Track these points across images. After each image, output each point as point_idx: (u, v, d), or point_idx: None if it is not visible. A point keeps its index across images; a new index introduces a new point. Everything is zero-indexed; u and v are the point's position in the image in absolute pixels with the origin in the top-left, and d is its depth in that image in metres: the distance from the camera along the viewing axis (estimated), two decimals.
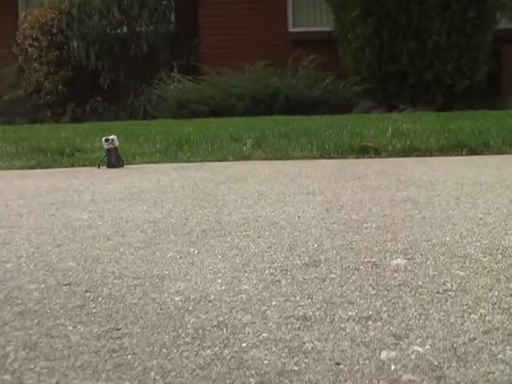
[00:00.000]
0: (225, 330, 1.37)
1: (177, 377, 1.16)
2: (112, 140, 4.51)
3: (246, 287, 1.65)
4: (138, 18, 11.48)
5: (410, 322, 1.38)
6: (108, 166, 4.53)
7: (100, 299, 1.58)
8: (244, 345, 1.29)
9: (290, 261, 1.89)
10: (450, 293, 1.56)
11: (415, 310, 1.45)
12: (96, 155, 4.94)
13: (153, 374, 1.17)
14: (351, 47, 9.40)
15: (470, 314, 1.42)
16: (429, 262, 1.83)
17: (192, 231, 2.32)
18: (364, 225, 2.35)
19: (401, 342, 1.28)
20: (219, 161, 4.71)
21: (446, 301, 1.50)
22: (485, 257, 1.87)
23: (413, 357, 1.21)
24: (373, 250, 1.98)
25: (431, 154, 4.63)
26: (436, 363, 1.18)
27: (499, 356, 1.21)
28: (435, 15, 8.94)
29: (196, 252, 2.02)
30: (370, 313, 1.44)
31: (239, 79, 9.68)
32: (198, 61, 10.95)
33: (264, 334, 1.33)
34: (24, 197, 3.26)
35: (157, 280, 1.73)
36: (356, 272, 1.75)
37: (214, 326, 1.39)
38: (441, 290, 1.58)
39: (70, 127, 8.06)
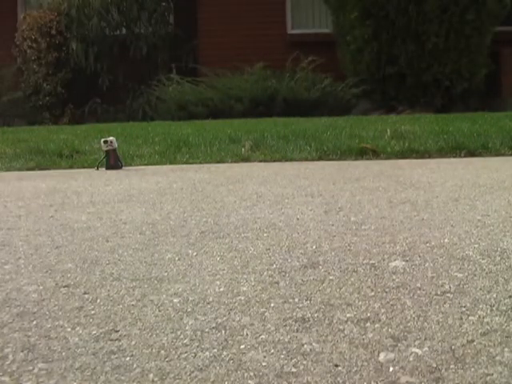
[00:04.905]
0: (223, 331, 1.37)
1: (175, 379, 1.16)
2: (111, 141, 4.51)
3: (245, 289, 1.65)
4: (136, 20, 11.48)
5: (409, 324, 1.38)
6: (107, 168, 4.53)
7: (98, 301, 1.58)
8: (242, 347, 1.29)
9: (289, 262, 1.89)
10: (449, 295, 1.56)
11: (414, 312, 1.45)
12: (95, 157, 4.94)
13: (151, 375, 1.17)
14: (350, 49, 9.41)
15: (469, 315, 1.42)
16: (427, 263, 1.83)
17: (190, 233, 2.32)
18: (362, 227, 2.35)
19: (399, 344, 1.28)
20: (218, 162, 4.71)
21: (445, 303, 1.50)
22: (483, 259, 1.87)
23: (411, 359, 1.21)
24: (371, 252, 1.98)
25: (430, 156, 4.64)
26: (434, 365, 1.18)
27: (497, 358, 1.21)
28: (434, 17, 8.95)
29: (194, 254, 2.02)
30: (369, 315, 1.44)
31: (238, 81, 9.69)
32: (196, 62, 10.96)
33: (262, 336, 1.34)
34: (22, 198, 3.26)
35: (155, 282, 1.73)
36: (354, 274, 1.75)
37: (213, 327, 1.39)
38: (439, 292, 1.58)
39: (69, 129, 8.06)
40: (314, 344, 1.29)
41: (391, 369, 1.17)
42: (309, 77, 9.68)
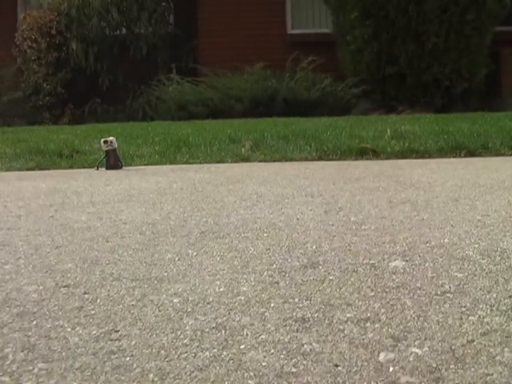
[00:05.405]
0: (223, 331, 1.37)
1: (175, 379, 1.16)
2: (111, 141, 4.51)
3: (245, 289, 1.65)
4: (136, 20, 11.48)
5: (409, 324, 1.38)
6: (107, 168, 4.53)
7: (98, 301, 1.59)
8: (242, 347, 1.29)
9: (289, 262, 1.89)
10: (449, 295, 1.56)
11: (414, 312, 1.45)
12: (95, 157, 4.94)
13: (151, 375, 1.18)
14: (350, 49, 9.42)
15: (469, 315, 1.42)
16: (427, 263, 1.84)
17: (191, 233, 2.32)
18: (362, 227, 2.35)
19: (399, 344, 1.28)
20: (218, 162, 4.71)
21: (445, 303, 1.51)
22: (483, 259, 1.87)
23: (411, 359, 1.21)
24: (371, 252, 1.98)
25: (430, 156, 4.64)
26: (434, 365, 1.18)
27: (497, 358, 1.21)
28: (434, 17, 8.95)
29: (194, 254, 2.02)
30: (369, 315, 1.44)
31: (238, 81, 9.69)
32: (196, 62, 10.96)
33: (262, 336, 1.34)
34: (22, 198, 3.26)
35: (155, 282, 1.73)
36: (354, 274, 1.75)
37: (213, 327, 1.39)
38: (439, 292, 1.58)
39: (69, 129, 8.06)
40: (314, 344, 1.29)
41: (391, 369, 1.17)
42: (309, 77, 9.68)
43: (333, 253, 1.98)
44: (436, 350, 1.24)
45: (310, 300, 1.55)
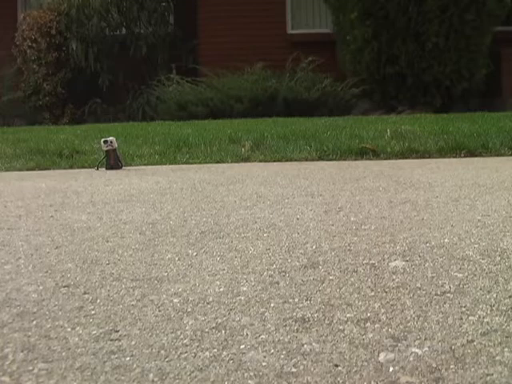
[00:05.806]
0: (223, 331, 1.37)
1: (175, 379, 1.16)
2: (111, 141, 4.51)
3: (245, 289, 1.65)
4: (136, 20, 11.47)
5: (409, 324, 1.38)
6: (107, 168, 4.53)
7: (98, 301, 1.59)
8: (242, 347, 1.29)
9: (289, 262, 1.89)
10: (449, 295, 1.56)
11: (414, 312, 1.45)
12: (95, 157, 4.94)
13: (151, 375, 1.17)
14: (350, 49, 9.42)
15: (469, 315, 1.42)
16: (427, 263, 1.84)
17: (191, 233, 2.32)
18: (362, 227, 2.35)
19: (399, 344, 1.28)
20: (218, 163, 4.71)
21: (445, 303, 1.51)
22: (483, 259, 1.87)
23: (411, 359, 1.21)
24: (371, 252, 1.98)
25: (430, 156, 4.64)
26: (434, 365, 1.18)
27: (497, 358, 1.21)
28: (434, 17, 8.95)
29: (194, 254, 2.02)
30: (369, 315, 1.44)
31: (238, 81, 9.68)
32: (196, 63, 10.96)
33: (262, 336, 1.34)
34: (22, 198, 3.26)
35: (155, 282, 1.73)
36: (354, 274, 1.75)
37: (213, 327, 1.39)
38: (439, 292, 1.58)
39: (69, 129, 8.06)
40: (314, 344, 1.29)
41: (391, 369, 1.17)
42: (309, 77, 9.68)
43: (333, 253, 1.98)
44: (436, 350, 1.24)
45: (310, 300, 1.55)
